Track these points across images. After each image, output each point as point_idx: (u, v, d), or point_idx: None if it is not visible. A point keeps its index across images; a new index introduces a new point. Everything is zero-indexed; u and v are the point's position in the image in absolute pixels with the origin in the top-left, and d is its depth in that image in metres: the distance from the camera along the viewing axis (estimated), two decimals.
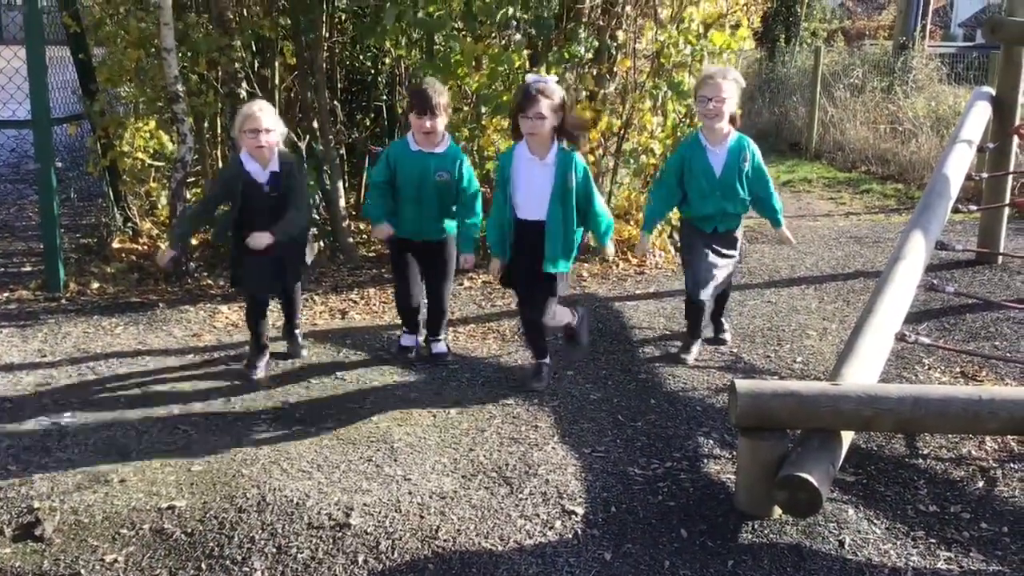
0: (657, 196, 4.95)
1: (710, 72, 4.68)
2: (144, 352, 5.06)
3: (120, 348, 5.11)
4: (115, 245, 6.91)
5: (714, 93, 4.54)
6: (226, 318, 5.63)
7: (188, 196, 6.57)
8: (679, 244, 5.55)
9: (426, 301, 4.95)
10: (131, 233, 7.12)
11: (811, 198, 10.00)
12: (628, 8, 6.80)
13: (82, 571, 2.97)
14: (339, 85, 8.39)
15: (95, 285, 6.20)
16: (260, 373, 4.72)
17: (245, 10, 6.98)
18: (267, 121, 4.45)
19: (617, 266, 6.73)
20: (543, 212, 4.29)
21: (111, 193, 7.01)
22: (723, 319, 5.26)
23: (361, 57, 8.63)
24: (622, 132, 7.04)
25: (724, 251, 4.83)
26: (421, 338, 5.03)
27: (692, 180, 4.74)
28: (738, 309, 5.75)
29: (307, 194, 5.06)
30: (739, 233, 4.93)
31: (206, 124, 6.97)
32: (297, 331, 5.04)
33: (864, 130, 12.16)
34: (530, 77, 4.27)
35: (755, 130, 12.60)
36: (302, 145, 7.52)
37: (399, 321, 5.08)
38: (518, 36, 6.23)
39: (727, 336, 5.22)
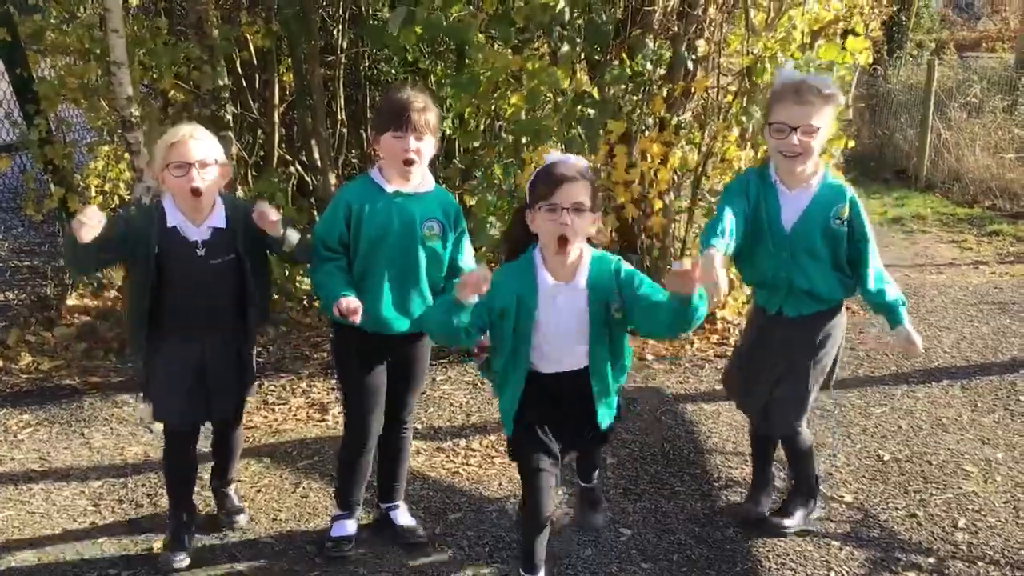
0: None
1: (793, 82, 2.90)
2: (37, 475, 3.72)
3: (7, 469, 3.78)
4: (72, 302, 5.63)
5: (801, 119, 2.84)
6: None
7: None
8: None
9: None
10: (95, 286, 5.83)
11: (928, 240, 8.28)
12: (712, 10, 5.27)
13: None
14: (369, 103, 7.05)
15: (25, 360, 4.90)
16: (182, 562, 3.07)
17: (235, 15, 5.67)
18: (203, 149, 2.89)
19: (692, 345, 5.19)
20: (578, 358, 2.75)
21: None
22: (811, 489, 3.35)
23: (394, 72, 7.27)
24: (700, 168, 5.52)
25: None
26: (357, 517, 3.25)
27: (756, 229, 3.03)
28: (860, 423, 4.18)
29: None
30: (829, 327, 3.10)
31: None
32: (231, 488, 3.44)
33: (985, 157, 10.37)
34: (552, 156, 2.72)
35: (854, 154, 10.93)
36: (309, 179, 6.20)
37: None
38: (565, 47, 4.76)
39: (792, 520, 3.28)
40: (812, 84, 2.85)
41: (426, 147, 2.88)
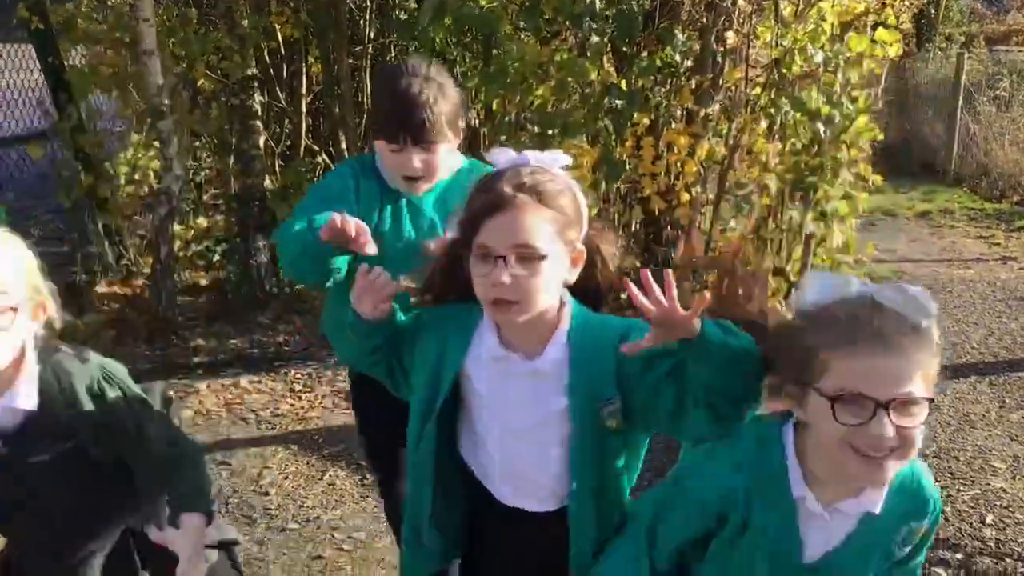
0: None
1: (868, 308, 1.40)
2: None
3: None
4: (101, 289, 5.68)
5: (896, 386, 1.34)
6: (199, 403, 4.33)
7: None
8: None
9: None
10: (125, 273, 5.88)
11: (956, 235, 8.23)
12: (741, 2, 5.25)
13: None
14: None
15: None
16: None
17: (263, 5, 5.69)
18: None
19: None
20: (548, 489, 1.68)
21: (99, 226, 5.76)
22: None
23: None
24: (727, 161, 5.49)
25: None
26: None
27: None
28: None
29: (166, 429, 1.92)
30: None
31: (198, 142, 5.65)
32: None
33: (1014, 151, 10.28)
34: (500, 154, 1.57)
35: (882, 148, 10.85)
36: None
37: None
38: (595, 38, 4.76)
39: None
40: (906, 313, 1.38)
41: (440, 156, 2.10)
